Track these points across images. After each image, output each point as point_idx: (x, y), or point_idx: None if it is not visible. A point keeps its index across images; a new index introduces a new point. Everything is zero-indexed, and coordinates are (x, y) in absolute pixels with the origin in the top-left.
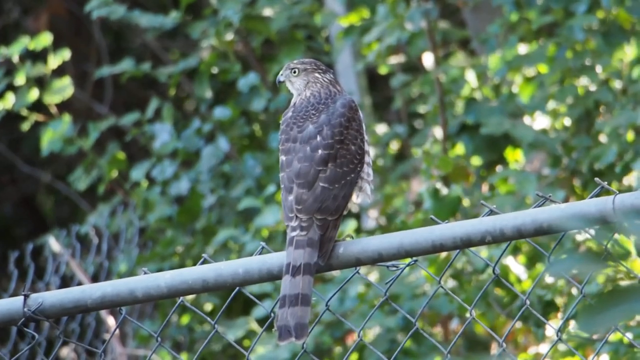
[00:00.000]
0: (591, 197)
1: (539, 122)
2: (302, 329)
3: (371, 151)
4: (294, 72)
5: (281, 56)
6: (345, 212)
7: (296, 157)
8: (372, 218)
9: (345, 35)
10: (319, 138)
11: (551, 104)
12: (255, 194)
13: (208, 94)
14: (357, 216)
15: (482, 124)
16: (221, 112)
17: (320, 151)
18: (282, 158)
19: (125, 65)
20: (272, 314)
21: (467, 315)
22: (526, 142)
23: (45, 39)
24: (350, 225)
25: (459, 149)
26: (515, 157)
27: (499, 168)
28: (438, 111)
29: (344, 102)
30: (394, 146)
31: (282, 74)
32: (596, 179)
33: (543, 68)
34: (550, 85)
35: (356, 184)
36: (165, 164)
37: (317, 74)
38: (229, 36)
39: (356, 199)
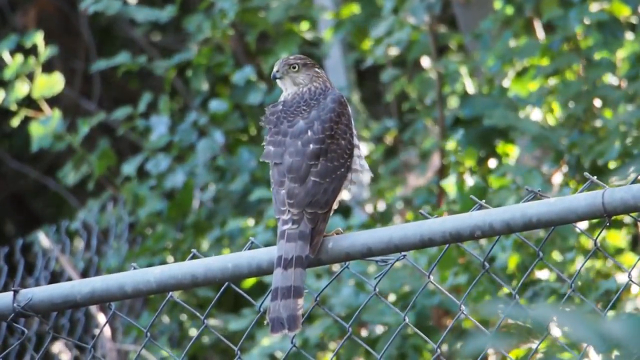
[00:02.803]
0: (581, 192)
1: (533, 115)
2: (295, 321)
3: (362, 146)
4: (294, 67)
5: (277, 49)
6: (335, 207)
7: (287, 152)
8: (366, 213)
9: (336, 30)
10: (309, 133)
11: (547, 98)
12: (251, 188)
13: (204, 86)
14: (348, 211)
15: (480, 117)
16: (217, 105)
17: (311, 146)
18: (270, 148)
19: (121, 58)
20: (261, 310)
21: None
22: (530, 136)
23: (37, 37)
24: (354, 220)
25: (453, 143)
26: (508, 151)
27: (491, 162)
28: (435, 106)
29: (334, 97)
30: (386, 141)
31: (278, 70)
32: (585, 173)
33: (535, 60)
34: (543, 79)
35: (345, 178)
36: (160, 157)
37: (317, 69)
38: (225, 29)
39: (349, 192)
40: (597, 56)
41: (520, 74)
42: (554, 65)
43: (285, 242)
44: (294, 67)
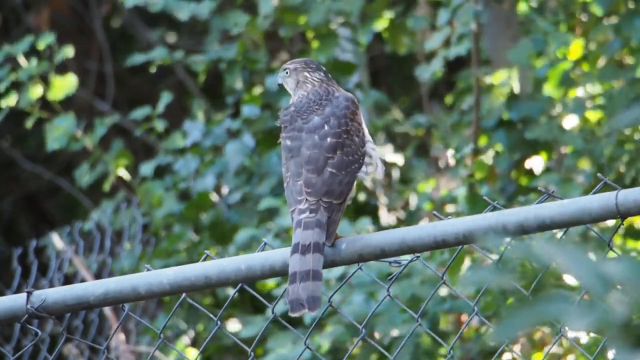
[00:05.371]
0: (594, 193)
1: (571, 120)
2: (315, 301)
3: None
4: (286, 72)
5: (314, 51)
6: (349, 201)
7: (304, 145)
8: (391, 214)
9: (370, 24)
10: (326, 127)
11: (589, 103)
12: (278, 192)
13: (238, 84)
14: (376, 213)
15: (526, 120)
16: (249, 111)
17: (329, 139)
18: (287, 142)
19: (158, 53)
20: (274, 313)
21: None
22: (574, 149)
23: (50, 38)
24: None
25: (495, 144)
26: (548, 157)
27: (527, 166)
28: (472, 110)
29: (346, 96)
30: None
31: (278, 76)
32: (599, 174)
33: (571, 53)
34: (583, 80)
35: (357, 174)
36: (188, 157)
37: (305, 73)
38: (263, 26)
39: (366, 182)
40: None
41: (554, 68)
42: (604, 75)
43: (303, 229)
44: (286, 72)
